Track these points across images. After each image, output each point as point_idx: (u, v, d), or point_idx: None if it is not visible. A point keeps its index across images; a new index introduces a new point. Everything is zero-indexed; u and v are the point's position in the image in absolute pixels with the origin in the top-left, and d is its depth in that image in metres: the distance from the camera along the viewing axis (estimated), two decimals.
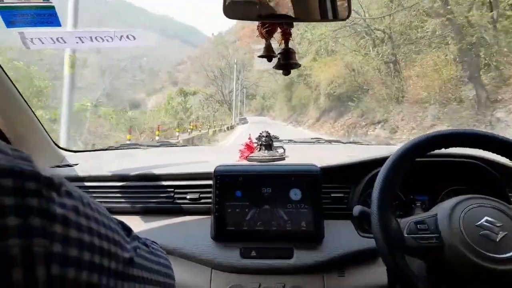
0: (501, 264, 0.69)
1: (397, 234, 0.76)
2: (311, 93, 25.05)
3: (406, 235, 0.76)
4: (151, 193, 1.18)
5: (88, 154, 1.59)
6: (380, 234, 0.75)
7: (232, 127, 26.37)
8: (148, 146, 1.72)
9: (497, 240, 0.71)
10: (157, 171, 1.21)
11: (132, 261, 0.42)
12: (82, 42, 1.36)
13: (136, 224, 1.13)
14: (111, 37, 1.37)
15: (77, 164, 1.34)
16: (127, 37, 1.40)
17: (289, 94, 33.96)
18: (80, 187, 1.21)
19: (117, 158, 1.55)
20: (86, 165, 1.35)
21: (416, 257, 0.83)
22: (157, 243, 0.62)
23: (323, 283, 0.99)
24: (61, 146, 1.46)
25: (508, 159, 0.84)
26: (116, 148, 1.70)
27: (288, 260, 1.00)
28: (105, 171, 1.23)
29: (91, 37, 1.35)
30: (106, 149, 1.67)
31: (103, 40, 1.39)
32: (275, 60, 0.91)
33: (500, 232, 0.72)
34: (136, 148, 1.71)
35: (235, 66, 38.09)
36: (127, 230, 0.48)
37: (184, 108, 24.69)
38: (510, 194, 1.08)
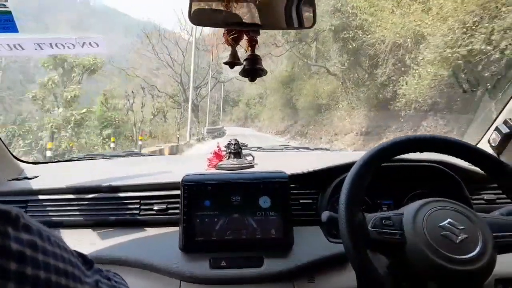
0: (459, 265, 0.72)
1: (361, 227, 0.77)
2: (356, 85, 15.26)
3: (370, 229, 0.78)
4: (116, 205, 1.14)
5: (49, 166, 1.52)
6: (345, 227, 0.76)
7: (177, 149, 14.39)
8: (112, 156, 1.67)
9: (457, 241, 0.74)
10: (122, 182, 1.17)
11: None
12: (41, 49, 1.31)
13: (102, 238, 1.09)
14: (72, 44, 1.33)
15: (37, 177, 1.28)
16: (90, 44, 1.36)
17: (286, 95, 24.03)
18: (39, 200, 1.15)
19: (80, 170, 1.49)
20: (47, 177, 1.28)
21: (379, 252, 0.85)
22: (119, 275, 0.60)
23: None
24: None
25: (468, 163, 0.89)
26: (79, 159, 1.63)
27: (258, 269, 0.99)
28: (67, 184, 1.17)
29: (51, 44, 1.30)
30: (68, 160, 1.60)
31: (64, 47, 1.34)
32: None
33: (461, 234, 0.75)
34: (100, 158, 1.65)
35: (210, 63, 27.47)
36: (88, 263, 0.46)
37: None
38: (470, 197, 1.13)
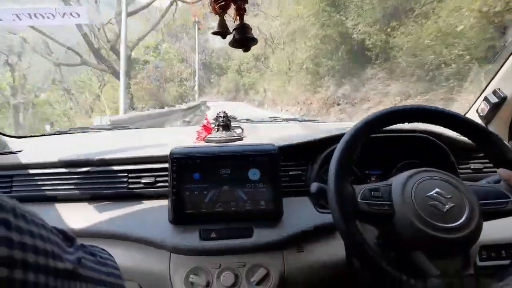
0: (446, 233, 0.73)
1: (350, 198, 0.78)
2: None
3: (359, 200, 0.78)
4: (104, 179, 1.13)
5: (32, 140, 1.48)
6: (335, 198, 0.76)
7: None
8: (99, 129, 1.64)
9: (444, 210, 0.75)
10: (109, 156, 1.15)
11: (74, 272, 0.39)
12: (20, 20, 1.25)
13: (90, 212, 1.08)
14: (52, 14, 1.27)
15: (21, 151, 1.25)
16: (71, 14, 1.30)
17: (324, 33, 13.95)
18: (24, 174, 1.13)
19: (65, 143, 1.46)
20: (31, 151, 1.25)
21: (368, 223, 0.86)
22: (106, 251, 0.58)
23: (283, 259, 1.01)
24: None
25: (456, 133, 0.89)
26: (65, 133, 1.60)
27: (248, 239, 1.00)
28: (53, 157, 1.15)
29: (29, 14, 1.24)
30: (53, 134, 1.56)
31: (43, 18, 1.28)
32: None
33: (448, 203, 0.76)
34: (86, 132, 1.61)
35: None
36: (70, 239, 0.45)
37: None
38: (457, 166, 1.14)
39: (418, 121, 0.87)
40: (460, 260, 0.75)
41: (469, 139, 0.88)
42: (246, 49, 0.88)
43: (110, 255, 0.57)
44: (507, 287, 0.40)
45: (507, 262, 0.80)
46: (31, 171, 1.14)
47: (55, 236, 0.38)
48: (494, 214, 0.80)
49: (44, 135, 1.57)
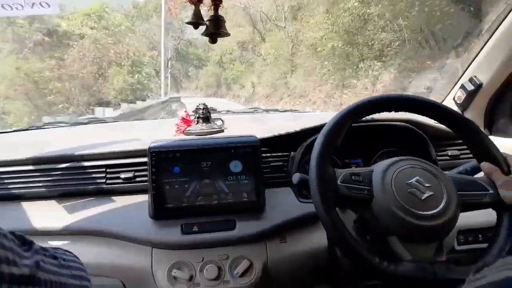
0: (422, 220, 0.75)
1: (331, 181, 0.78)
2: None
3: (339, 183, 0.78)
4: (81, 175, 1.09)
5: (3, 136, 1.43)
6: (316, 182, 0.76)
7: None
8: (74, 123, 1.59)
9: (423, 198, 0.77)
10: (86, 151, 1.11)
11: (32, 277, 0.38)
12: None
13: (68, 209, 1.05)
14: (21, 5, 1.22)
15: None
16: (40, 4, 1.25)
17: None
18: None
19: (39, 139, 1.41)
20: (1, 148, 1.21)
21: (347, 207, 0.87)
22: (70, 252, 0.56)
23: (266, 250, 1.01)
24: None
25: (434, 120, 0.90)
26: (38, 128, 1.54)
27: (230, 232, 1.00)
28: (26, 155, 1.10)
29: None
30: (25, 130, 1.50)
31: (11, 9, 1.22)
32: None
33: (427, 192, 0.77)
34: (62, 126, 1.56)
35: None
36: (27, 244, 0.43)
37: None
38: (436, 153, 1.16)
39: (398, 110, 0.88)
40: (434, 247, 0.77)
41: (447, 126, 0.90)
42: (213, 41, 0.87)
43: (75, 256, 0.55)
44: (484, 279, 0.41)
45: (484, 245, 0.82)
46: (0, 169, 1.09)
47: (10, 241, 0.37)
48: (471, 206, 0.82)
49: (16, 130, 1.51)
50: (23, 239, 0.42)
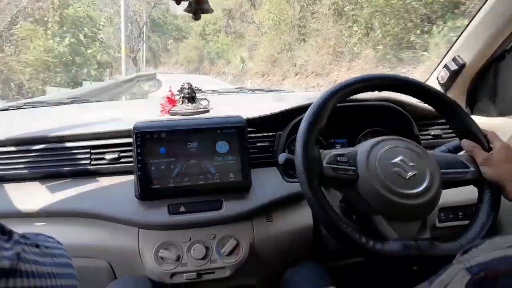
0: (405, 199, 0.76)
1: (317, 162, 0.79)
2: None
3: (325, 164, 0.79)
4: (65, 156, 1.07)
5: None
6: (301, 164, 0.77)
7: None
8: (56, 103, 1.55)
9: (407, 177, 0.78)
10: (70, 131, 1.09)
11: (13, 269, 0.37)
12: None
13: (52, 190, 1.04)
14: None
15: None
16: None
17: None
18: None
19: (20, 119, 1.37)
20: None
21: (332, 187, 0.88)
22: (53, 238, 0.54)
23: (253, 229, 1.03)
24: None
25: (417, 100, 0.91)
26: (18, 108, 1.49)
27: (217, 212, 1.01)
28: (7, 135, 1.07)
29: None
30: (5, 110, 1.46)
31: None
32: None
33: (411, 171, 0.79)
34: (43, 106, 1.52)
35: None
36: (6, 233, 0.41)
37: None
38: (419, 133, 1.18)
39: (382, 90, 0.89)
40: (418, 225, 0.79)
41: (430, 106, 0.91)
42: (197, 17, 0.84)
43: (58, 243, 0.54)
44: (472, 260, 0.42)
45: (465, 222, 0.85)
46: None
47: None
48: (454, 183, 0.85)
49: None
50: (2, 228, 0.41)
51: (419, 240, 0.75)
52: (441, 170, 0.82)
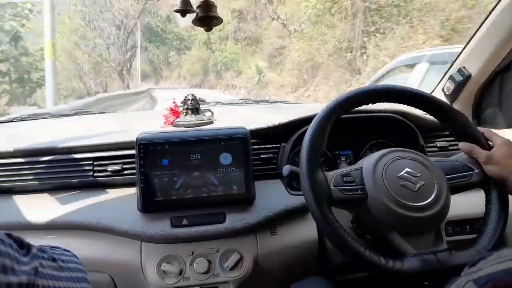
0: (418, 212, 0.75)
1: (324, 186, 0.77)
2: None
3: (332, 187, 0.78)
4: (67, 168, 1.07)
5: None
6: (308, 187, 0.75)
7: None
8: (60, 115, 1.55)
9: (415, 189, 0.77)
10: (73, 143, 1.09)
11: (30, 285, 0.36)
12: None
13: (54, 203, 1.03)
14: None
15: None
16: None
17: None
18: None
19: (24, 131, 1.37)
20: None
21: (342, 208, 0.87)
22: (69, 251, 0.55)
23: (256, 243, 1.01)
24: None
25: (422, 111, 0.90)
26: (22, 119, 1.50)
27: (221, 225, 0.99)
28: (13, 147, 1.07)
29: None
30: (9, 121, 1.46)
31: None
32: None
33: (418, 182, 0.77)
34: (47, 118, 1.52)
35: None
36: (25, 247, 0.41)
37: None
38: (425, 144, 1.17)
39: (386, 101, 0.88)
40: (433, 237, 0.77)
41: (434, 117, 0.90)
42: (208, 28, 0.84)
43: (74, 256, 0.54)
44: (480, 272, 0.41)
45: (472, 236, 0.83)
46: None
47: (7, 246, 0.35)
48: (461, 187, 0.83)
49: (0, 122, 1.47)
50: (21, 242, 0.41)
51: (437, 252, 0.73)
52: (447, 176, 0.81)
